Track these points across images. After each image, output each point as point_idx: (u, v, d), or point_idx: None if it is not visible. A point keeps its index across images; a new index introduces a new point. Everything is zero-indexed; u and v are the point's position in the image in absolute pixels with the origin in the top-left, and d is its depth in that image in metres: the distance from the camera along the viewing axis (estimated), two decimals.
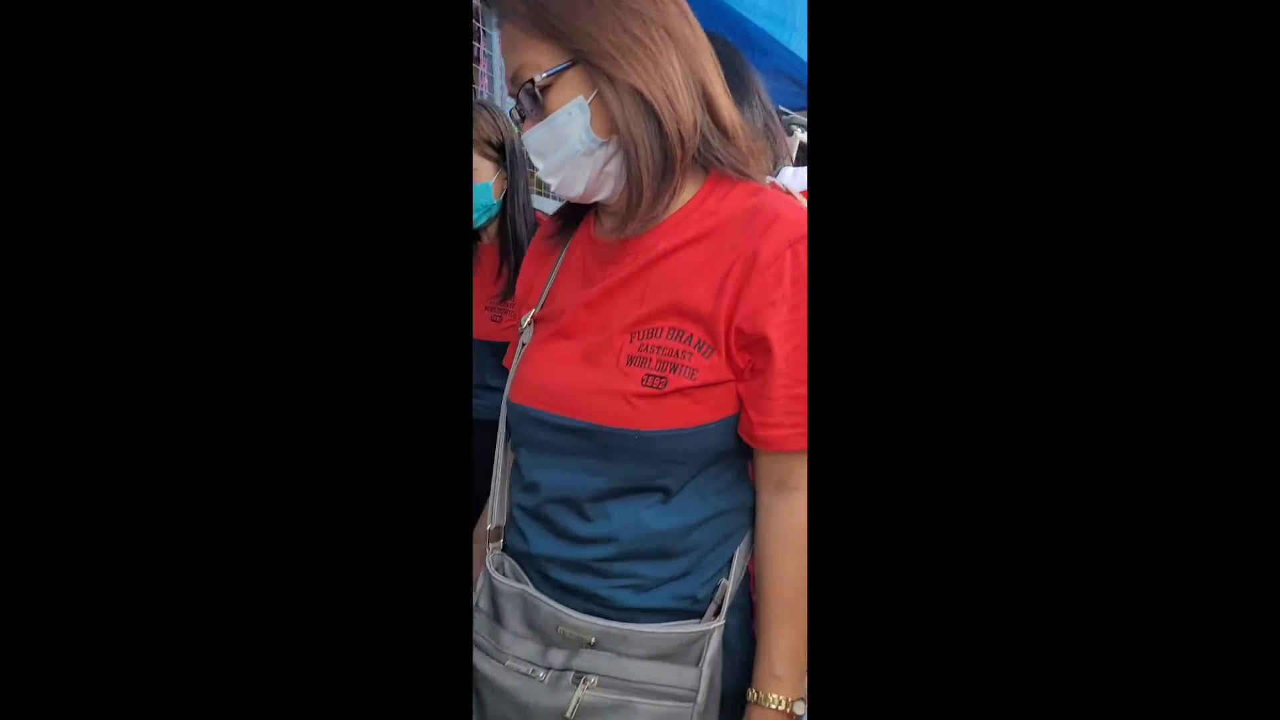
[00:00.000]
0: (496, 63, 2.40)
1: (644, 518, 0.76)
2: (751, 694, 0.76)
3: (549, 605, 0.77)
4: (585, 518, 0.78)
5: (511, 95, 0.76)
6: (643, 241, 0.78)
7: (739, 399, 0.75)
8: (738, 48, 1.35)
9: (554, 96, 0.72)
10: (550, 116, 0.72)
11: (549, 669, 0.76)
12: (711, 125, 0.76)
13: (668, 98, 0.71)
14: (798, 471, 0.74)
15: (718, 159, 0.77)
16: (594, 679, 0.74)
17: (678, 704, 0.74)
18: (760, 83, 1.27)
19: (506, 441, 0.89)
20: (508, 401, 0.85)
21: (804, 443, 0.72)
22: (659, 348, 0.73)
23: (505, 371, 0.89)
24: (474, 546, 0.92)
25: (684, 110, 0.73)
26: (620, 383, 0.74)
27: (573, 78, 0.72)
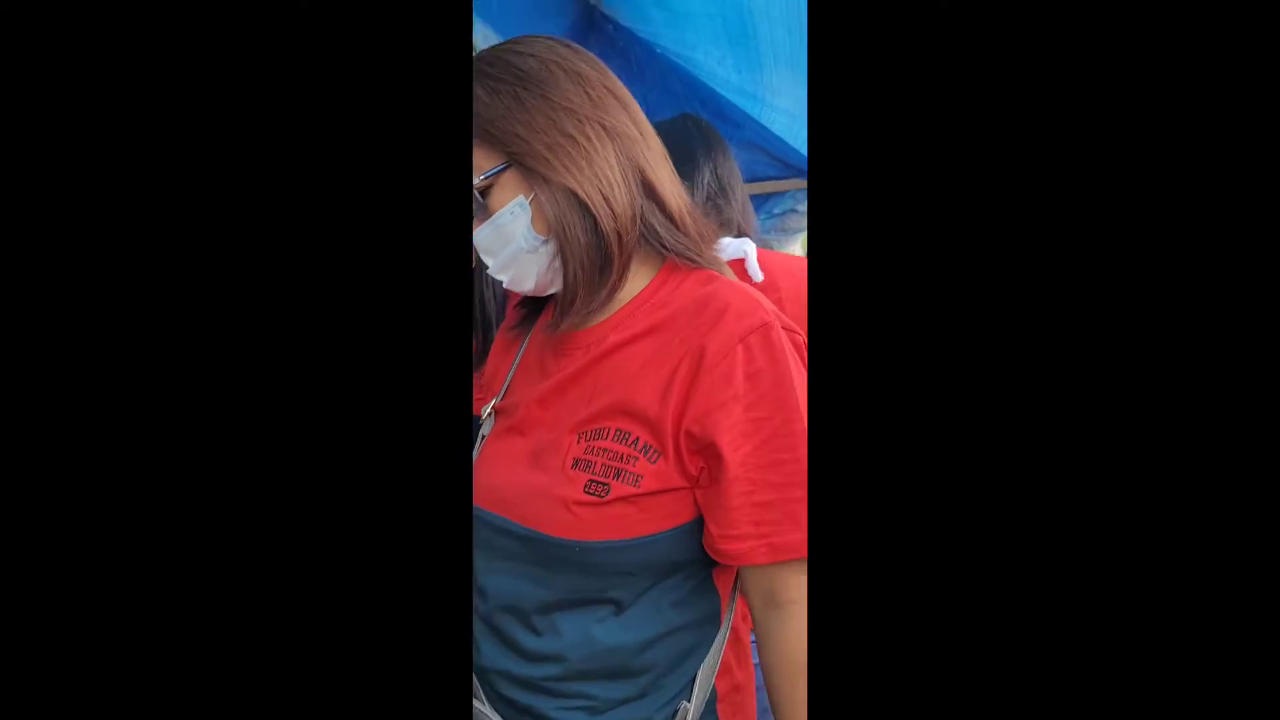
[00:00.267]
0: None
1: (595, 632, 0.71)
2: None
3: None
4: (534, 630, 0.72)
5: None
6: (594, 333, 0.75)
7: (697, 506, 0.69)
8: (709, 120, 1.34)
9: (495, 197, 0.71)
10: (494, 216, 0.71)
11: None
12: (657, 213, 0.73)
13: (602, 195, 0.69)
14: (792, 584, 0.69)
15: (665, 247, 0.74)
16: None
17: None
18: (720, 153, 1.24)
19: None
20: None
21: (776, 555, 0.67)
22: (604, 450, 0.69)
23: None
24: None
25: (620, 206, 0.70)
26: (563, 488, 0.69)
27: (510, 179, 0.70)
